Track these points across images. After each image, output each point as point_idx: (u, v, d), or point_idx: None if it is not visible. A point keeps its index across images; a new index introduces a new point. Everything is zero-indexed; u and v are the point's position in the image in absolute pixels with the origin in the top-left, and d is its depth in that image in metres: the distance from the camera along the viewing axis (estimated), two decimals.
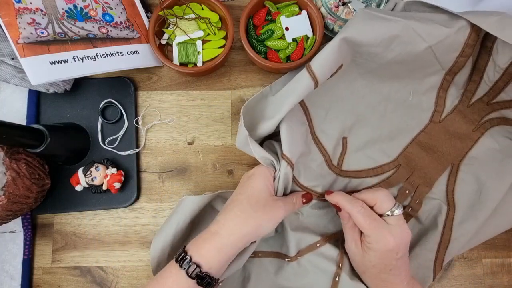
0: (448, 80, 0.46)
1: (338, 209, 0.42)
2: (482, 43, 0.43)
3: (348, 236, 0.41)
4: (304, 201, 0.43)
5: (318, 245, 0.44)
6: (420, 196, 0.47)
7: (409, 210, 0.47)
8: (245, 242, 0.37)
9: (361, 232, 0.40)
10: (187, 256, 0.35)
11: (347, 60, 0.41)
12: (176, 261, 0.35)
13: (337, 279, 0.42)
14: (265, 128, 0.41)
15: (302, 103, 0.45)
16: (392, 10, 0.45)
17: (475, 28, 0.39)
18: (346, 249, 0.42)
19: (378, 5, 0.48)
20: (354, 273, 0.43)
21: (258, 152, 0.40)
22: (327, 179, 0.46)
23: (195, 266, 0.34)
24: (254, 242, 0.40)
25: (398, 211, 0.39)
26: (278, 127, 0.41)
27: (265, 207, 0.38)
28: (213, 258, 0.35)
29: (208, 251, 0.35)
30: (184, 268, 0.34)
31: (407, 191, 0.47)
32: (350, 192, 0.47)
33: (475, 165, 0.46)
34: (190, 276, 0.34)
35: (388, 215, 0.38)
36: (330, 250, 0.44)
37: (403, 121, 0.48)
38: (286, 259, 0.45)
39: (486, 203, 0.44)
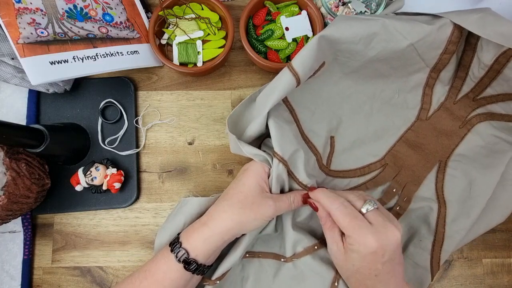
0: (434, 77, 0.46)
1: (315, 208, 0.40)
2: (467, 39, 0.43)
3: (328, 238, 0.39)
4: (305, 201, 0.43)
5: (315, 247, 0.44)
6: (409, 194, 0.47)
7: (397, 208, 0.47)
8: (231, 235, 0.38)
9: (343, 233, 0.38)
10: (179, 242, 0.38)
11: (328, 58, 0.41)
12: (170, 245, 0.38)
13: (336, 284, 0.42)
14: (253, 128, 0.41)
15: (287, 104, 0.45)
16: None
17: (457, 25, 0.39)
18: (329, 252, 0.40)
19: (378, 5, 0.48)
20: None
21: (249, 151, 0.40)
22: (319, 178, 0.46)
23: (184, 251, 0.37)
24: (245, 234, 0.41)
25: (370, 206, 0.36)
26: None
27: (252, 204, 0.38)
28: (200, 247, 0.37)
29: (196, 240, 0.37)
30: (174, 253, 0.37)
31: (394, 190, 0.47)
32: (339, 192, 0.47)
33: (463, 161, 0.47)
34: (178, 260, 0.36)
35: (363, 212, 0.36)
36: (327, 253, 0.43)
37: (389, 120, 0.48)
38: (282, 259, 0.44)
39: (477, 198, 0.44)
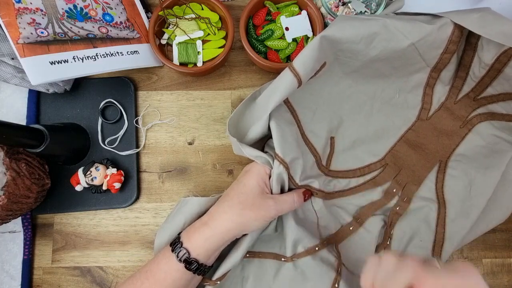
0: (434, 77, 0.46)
1: None
2: (467, 39, 0.43)
3: None
4: (306, 197, 0.43)
5: (316, 248, 0.43)
6: (409, 194, 0.47)
7: (397, 208, 0.47)
8: (231, 236, 0.38)
9: None
10: (179, 242, 0.38)
11: (329, 58, 0.41)
12: (170, 245, 0.38)
13: (336, 285, 0.41)
14: (256, 131, 0.41)
15: (288, 105, 0.45)
16: None
17: (458, 25, 0.39)
18: None
19: (378, 5, 0.48)
20: (349, 282, 0.42)
21: (250, 153, 0.41)
22: (317, 179, 0.46)
23: (185, 251, 0.37)
24: (246, 235, 0.41)
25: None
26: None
27: (252, 205, 0.38)
28: (201, 247, 0.37)
29: (197, 240, 0.37)
30: (175, 252, 0.37)
31: (394, 190, 0.47)
32: (339, 191, 0.46)
33: (463, 161, 0.47)
34: (179, 260, 0.36)
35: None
36: (328, 254, 0.43)
37: (389, 120, 0.48)
38: (283, 259, 0.44)
39: (477, 198, 0.44)
